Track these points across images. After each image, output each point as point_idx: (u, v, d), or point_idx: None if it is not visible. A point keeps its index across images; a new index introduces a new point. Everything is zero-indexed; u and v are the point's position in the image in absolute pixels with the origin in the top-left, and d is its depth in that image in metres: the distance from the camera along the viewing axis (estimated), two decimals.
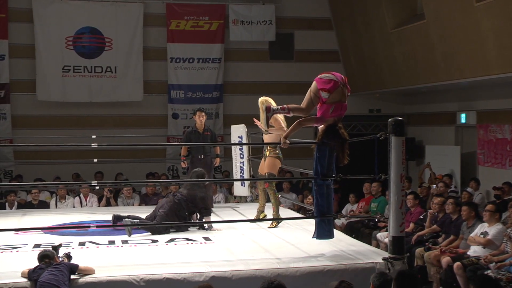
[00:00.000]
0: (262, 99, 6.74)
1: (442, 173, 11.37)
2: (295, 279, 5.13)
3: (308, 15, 14.34)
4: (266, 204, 7.60)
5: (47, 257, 4.95)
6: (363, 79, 13.44)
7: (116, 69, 13.44)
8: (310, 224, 6.66)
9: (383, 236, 8.68)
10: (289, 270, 5.22)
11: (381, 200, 9.84)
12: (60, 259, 5.04)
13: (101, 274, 4.98)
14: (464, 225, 7.67)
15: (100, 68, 13.40)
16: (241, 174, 9.07)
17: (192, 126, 9.00)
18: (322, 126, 5.58)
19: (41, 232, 6.95)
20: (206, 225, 7.12)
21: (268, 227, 7.17)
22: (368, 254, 5.72)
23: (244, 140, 8.94)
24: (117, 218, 7.10)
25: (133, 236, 6.71)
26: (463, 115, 12.25)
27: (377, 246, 8.36)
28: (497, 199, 9.56)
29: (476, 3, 8.99)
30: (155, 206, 7.57)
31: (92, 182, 6.87)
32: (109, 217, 7.35)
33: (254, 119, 7.03)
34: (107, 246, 6.25)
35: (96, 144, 6.03)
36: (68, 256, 5.14)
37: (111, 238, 6.61)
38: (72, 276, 4.86)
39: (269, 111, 5.94)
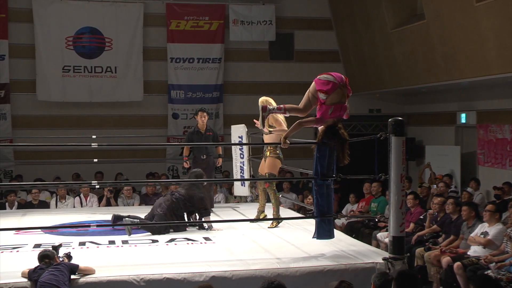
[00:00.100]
0: (262, 99, 6.75)
1: (442, 173, 11.37)
2: (295, 279, 5.13)
3: (308, 15, 14.34)
4: (266, 204, 7.60)
5: (47, 257, 4.95)
6: (363, 79, 13.44)
7: (116, 69, 13.45)
8: (310, 224, 6.66)
9: (383, 236, 8.68)
10: (289, 270, 5.21)
11: (381, 200, 9.84)
12: (60, 259, 5.04)
13: (101, 274, 4.98)
14: (464, 225, 7.67)
15: (100, 68, 13.40)
16: (241, 174, 9.07)
17: (194, 127, 9.00)
18: (322, 126, 5.58)
19: (41, 232, 6.95)
20: (206, 225, 7.11)
21: (268, 227, 7.17)
22: (368, 254, 5.72)
23: (244, 140, 8.94)
24: (117, 218, 7.09)
25: (133, 236, 6.71)
26: (463, 115, 12.26)
27: (377, 246, 8.36)
28: (497, 199, 9.56)
29: (476, 3, 8.99)
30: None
31: (92, 182, 6.85)
32: (109, 217, 7.34)
33: (255, 120, 7.02)
34: (107, 246, 6.25)
35: (96, 144, 6.03)
36: (68, 256, 5.14)
37: (111, 238, 6.61)
38: (72, 276, 4.86)
39: (265, 110, 5.97)
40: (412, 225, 8.83)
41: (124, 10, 13.43)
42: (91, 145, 5.99)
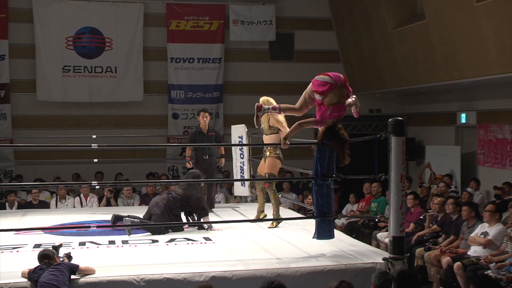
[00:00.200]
0: (263, 98, 6.75)
1: (442, 173, 11.37)
2: (295, 279, 5.13)
3: (308, 15, 14.34)
4: (266, 204, 7.60)
5: (47, 257, 4.95)
6: (363, 79, 13.44)
7: (116, 69, 13.45)
8: (310, 224, 6.66)
9: (383, 236, 8.68)
10: (289, 270, 5.21)
11: (381, 200, 9.84)
12: (61, 259, 5.04)
13: (101, 274, 4.98)
14: (464, 225, 7.67)
15: (100, 68, 13.40)
16: (241, 174, 9.07)
17: (196, 127, 8.99)
18: (322, 127, 5.57)
19: (41, 232, 6.95)
20: (205, 225, 7.11)
21: (269, 227, 7.17)
22: (368, 254, 5.72)
23: (244, 140, 8.94)
24: (117, 218, 7.09)
25: (133, 236, 6.71)
26: (463, 115, 12.26)
27: (377, 246, 8.36)
28: (497, 199, 9.56)
29: (476, 3, 8.99)
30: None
31: (92, 182, 6.86)
32: (109, 217, 7.34)
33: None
34: (107, 246, 6.25)
35: (96, 144, 6.03)
36: (69, 256, 5.14)
37: (111, 238, 6.61)
38: (72, 276, 4.86)
39: (259, 110, 6.01)
40: (412, 225, 8.83)
41: (124, 10, 13.42)
42: (91, 145, 5.99)
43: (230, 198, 11.34)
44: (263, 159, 7.40)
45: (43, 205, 10.33)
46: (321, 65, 12.42)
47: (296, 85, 12.92)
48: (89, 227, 6.54)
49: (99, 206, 10.16)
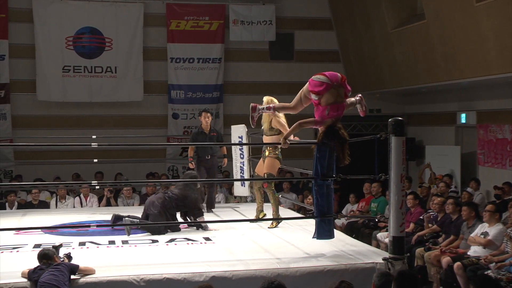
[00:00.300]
0: (267, 98, 6.76)
1: (442, 173, 11.37)
2: (295, 279, 5.13)
3: (308, 15, 14.34)
4: (266, 204, 7.60)
5: (47, 256, 4.95)
6: (363, 79, 13.44)
7: (116, 69, 13.45)
8: (310, 224, 6.66)
9: (383, 236, 8.68)
10: (289, 270, 5.21)
11: (381, 200, 9.84)
12: (61, 259, 5.04)
13: (101, 274, 4.98)
14: (464, 225, 7.67)
15: (100, 68, 13.40)
16: (241, 174, 9.07)
17: (198, 127, 8.99)
18: (321, 127, 5.57)
19: (41, 232, 6.95)
20: (202, 225, 7.10)
21: (268, 227, 7.17)
22: (368, 254, 5.71)
23: (244, 140, 8.94)
24: (117, 218, 7.10)
25: (133, 236, 6.71)
26: (463, 115, 12.26)
27: (377, 246, 8.36)
28: (497, 199, 9.56)
29: (476, 3, 8.99)
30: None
31: (92, 182, 6.86)
32: (109, 217, 7.34)
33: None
34: (107, 246, 6.25)
35: (96, 144, 6.03)
36: (69, 256, 5.14)
37: (111, 238, 6.61)
38: (72, 276, 4.86)
39: (254, 110, 6.06)
40: (412, 225, 8.83)
41: (124, 10, 13.43)
42: (91, 145, 5.99)
43: (230, 198, 11.34)
44: (261, 159, 7.40)
45: (43, 205, 10.33)
46: (321, 65, 12.36)
47: (296, 85, 12.78)
48: (89, 227, 6.53)
49: (99, 206, 10.16)
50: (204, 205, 8.85)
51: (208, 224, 7.07)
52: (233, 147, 9.50)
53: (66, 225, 7.45)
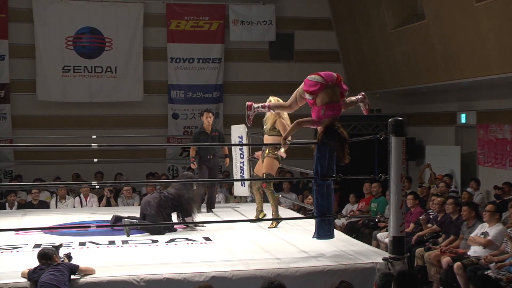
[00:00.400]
0: (274, 99, 6.76)
1: (442, 173, 11.37)
2: (295, 279, 5.13)
3: (308, 15, 14.34)
4: (265, 204, 7.59)
5: (47, 256, 4.95)
6: (363, 79, 13.44)
7: (116, 69, 13.45)
8: (310, 224, 6.66)
9: (383, 236, 8.68)
10: (289, 270, 5.21)
11: (381, 200, 9.84)
12: (61, 259, 5.04)
13: (101, 274, 4.98)
14: (464, 225, 7.67)
15: (100, 68, 13.40)
16: (241, 174, 9.07)
17: (199, 127, 8.98)
18: (321, 127, 5.58)
19: (41, 232, 6.95)
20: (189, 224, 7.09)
21: (268, 227, 7.17)
22: (368, 254, 5.71)
23: (244, 140, 8.94)
24: (117, 219, 7.11)
25: (133, 236, 6.71)
26: (463, 115, 12.26)
27: (377, 246, 8.36)
28: (497, 199, 9.56)
29: (476, 3, 8.99)
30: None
31: (92, 182, 6.85)
32: (109, 217, 7.36)
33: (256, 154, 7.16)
34: (107, 246, 6.24)
35: (96, 144, 6.03)
36: (69, 256, 5.14)
37: (111, 238, 6.60)
38: (72, 276, 4.86)
39: (249, 109, 6.11)
40: (412, 225, 8.83)
41: (124, 10, 13.43)
42: (91, 145, 5.99)
43: (230, 198, 11.34)
44: (260, 159, 7.40)
45: (43, 205, 10.33)
46: (321, 65, 12.31)
47: (296, 85, 12.70)
48: (89, 227, 6.53)
49: (99, 206, 10.16)
50: (204, 205, 8.86)
51: (194, 225, 7.06)
52: (233, 147, 9.50)
53: (66, 225, 7.45)
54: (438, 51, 10.40)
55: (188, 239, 6.52)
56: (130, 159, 13.23)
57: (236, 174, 9.30)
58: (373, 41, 12.65)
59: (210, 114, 8.80)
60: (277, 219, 7.23)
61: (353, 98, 6.02)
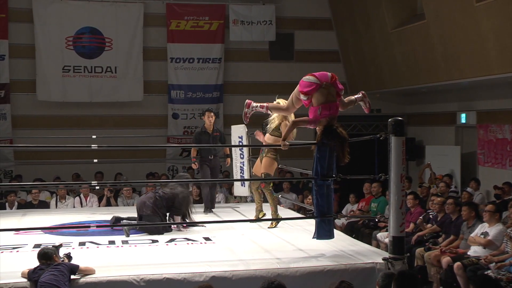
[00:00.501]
0: (282, 101, 6.76)
1: (442, 173, 11.37)
2: (295, 279, 5.13)
3: (308, 15, 14.34)
4: (265, 204, 7.59)
5: (46, 256, 4.95)
6: (363, 79, 13.44)
7: (116, 69, 13.45)
8: (310, 224, 6.66)
9: (383, 236, 8.68)
10: (289, 270, 5.21)
11: (381, 200, 9.84)
12: (61, 259, 5.04)
13: (101, 274, 4.98)
14: (464, 225, 7.67)
15: (100, 68, 13.40)
16: (241, 174, 9.06)
17: (201, 127, 8.96)
18: (320, 127, 5.58)
19: (41, 232, 6.95)
20: (180, 226, 7.08)
21: (268, 227, 7.17)
22: (368, 254, 5.71)
23: (244, 140, 8.94)
24: (117, 220, 7.11)
25: (133, 236, 6.70)
26: (463, 115, 12.26)
27: (377, 246, 8.36)
28: (497, 199, 9.56)
29: (476, 3, 8.99)
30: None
31: (92, 182, 6.86)
32: (109, 217, 7.36)
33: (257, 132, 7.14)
34: (107, 246, 6.24)
35: (96, 145, 6.03)
36: (69, 256, 5.14)
37: (111, 238, 6.60)
38: (72, 276, 4.86)
39: (248, 107, 6.12)
40: (412, 225, 8.83)
41: (124, 10, 13.43)
42: (91, 146, 5.98)
43: (230, 198, 11.34)
44: (258, 159, 7.39)
45: (43, 205, 10.33)
46: (321, 65, 12.31)
47: (296, 85, 12.89)
48: (89, 227, 6.53)
49: (99, 206, 10.16)
50: (203, 205, 8.85)
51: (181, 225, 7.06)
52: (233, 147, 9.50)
53: (66, 225, 7.45)
54: (438, 51, 10.40)
55: (188, 239, 6.52)
56: (130, 159, 13.23)
57: (236, 174, 9.29)
58: (373, 41, 12.65)
59: (212, 114, 8.79)
60: (276, 219, 7.23)
61: (352, 97, 6.02)
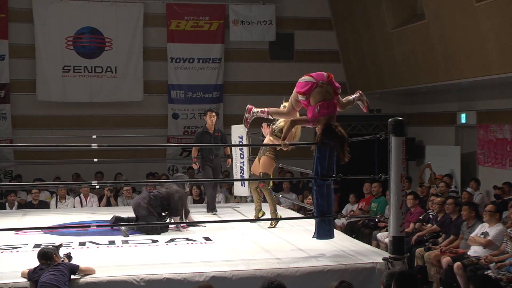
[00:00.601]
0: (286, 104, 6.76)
1: (442, 173, 11.37)
2: (295, 279, 5.13)
3: (308, 15, 14.34)
4: (265, 204, 7.59)
5: (46, 256, 4.95)
6: (363, 79, 13.44)
7: (116, 69, 13.45)
8: (310, 224, 6.66)
9: (383, 236, 8.68)
10: (289, 270, 5.21)
11: (381, 200, 9.84)
12: (61, 259, 5.04)
13: (101, 274, 4.98)
14: (464, 225, 7.67)
15: (100, 68, 13.40)
16: (241, 174, 9.07)
17: (202, 127, 8.94)
18: (319, 127, 5.59)
19: (41, 232, 6.95)
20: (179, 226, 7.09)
21: (268, 227, 7.17)
22: (368, 254, 5.72)
23: (245, 140, 8.94)
24: (117, 220, 7.11)
25: (133, 236, 6.70)
26: (463, 115, 12.26)
27: (377, 246, 8.36)
28: (497, 199, 9.56)
29: (476, 3, 8.99)
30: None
31: (92, 182, 6.85)
32: (109, 217, 7.36)
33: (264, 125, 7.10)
34: (107, 246, 6.25)
35: (96, 145, 6.03)
36: (69, 256, 5.14)
37: (111, 238, 6.61)
38: (72, 276, 4.86)
39: (249, 112, 6.13)
40: (412, 225, 8.83)
41: (124, 10, 13.43)
42: (91, 146, 5.99)
43: (230, 198, 11.33)
44: (257, 158, 7.39)
45: (43, 205, 10.33)
46: (321, 65, 12.32)
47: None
48: (89, 227, 6.53)
49: (99, 206, 10.16)
50: (205, 205, 8.85)
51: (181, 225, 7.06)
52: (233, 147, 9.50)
53: (66, 225, 7.45)
54: (438, 51, 10.40)
55: (188, 239, 6.52)
56: (130, 159, 13.24)
57: (236, 174, 9.30)
58: (373, 41, 12.65)
59: (214, 114, 8.77)
60: (276, 219, 7.23)
61: (350, 97, 6.03)
